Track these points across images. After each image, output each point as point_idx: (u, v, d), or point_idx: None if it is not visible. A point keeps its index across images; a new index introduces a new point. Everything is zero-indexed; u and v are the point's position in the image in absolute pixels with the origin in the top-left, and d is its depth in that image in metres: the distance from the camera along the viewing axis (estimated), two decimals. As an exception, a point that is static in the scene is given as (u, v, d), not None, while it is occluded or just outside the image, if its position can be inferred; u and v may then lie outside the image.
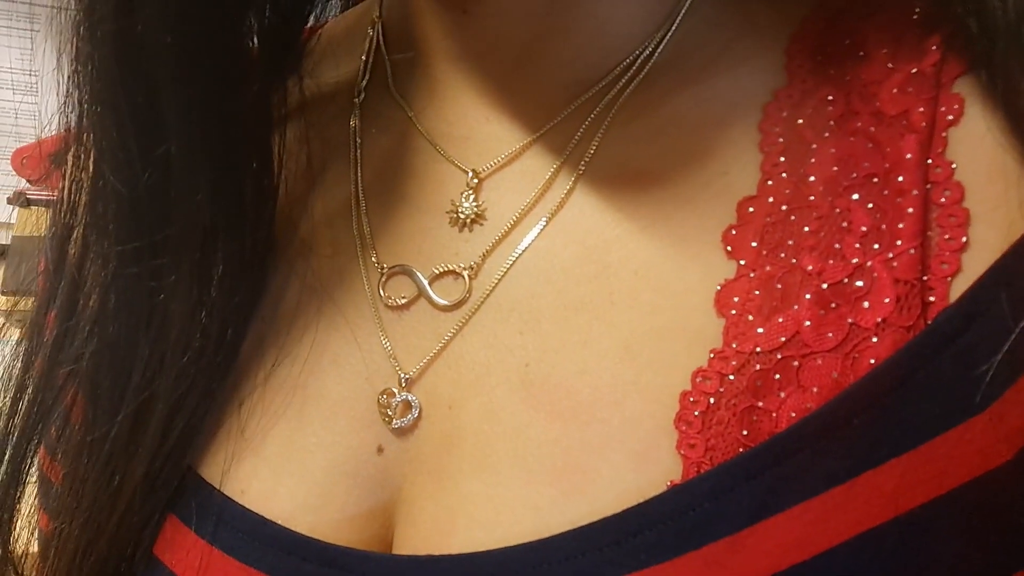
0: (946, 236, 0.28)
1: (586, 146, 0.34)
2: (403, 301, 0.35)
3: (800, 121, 0.32)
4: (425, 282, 0.35)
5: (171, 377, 0.35)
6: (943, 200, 0.29)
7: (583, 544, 0.29)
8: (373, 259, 0.36)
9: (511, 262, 0.34)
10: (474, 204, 0.35)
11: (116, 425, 0.35)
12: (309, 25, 0.43)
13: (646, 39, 0.34)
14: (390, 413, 0.33)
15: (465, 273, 0.34)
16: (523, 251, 0.34)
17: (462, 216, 0.35)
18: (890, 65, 0.31)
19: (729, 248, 0.31)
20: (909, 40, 0.31)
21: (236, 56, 0.36)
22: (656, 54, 0.34)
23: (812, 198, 0.30)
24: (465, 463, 0.32)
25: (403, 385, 0.34)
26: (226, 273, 0.35)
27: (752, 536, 0.27)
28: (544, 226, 0.34)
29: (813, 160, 0.31)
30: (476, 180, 0.35)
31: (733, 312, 0.30)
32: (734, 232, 0.31)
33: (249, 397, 0.36)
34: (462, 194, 0.35)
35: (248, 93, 0.37)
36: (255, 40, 0.37)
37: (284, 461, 0.34)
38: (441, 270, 0.35)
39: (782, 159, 0.31)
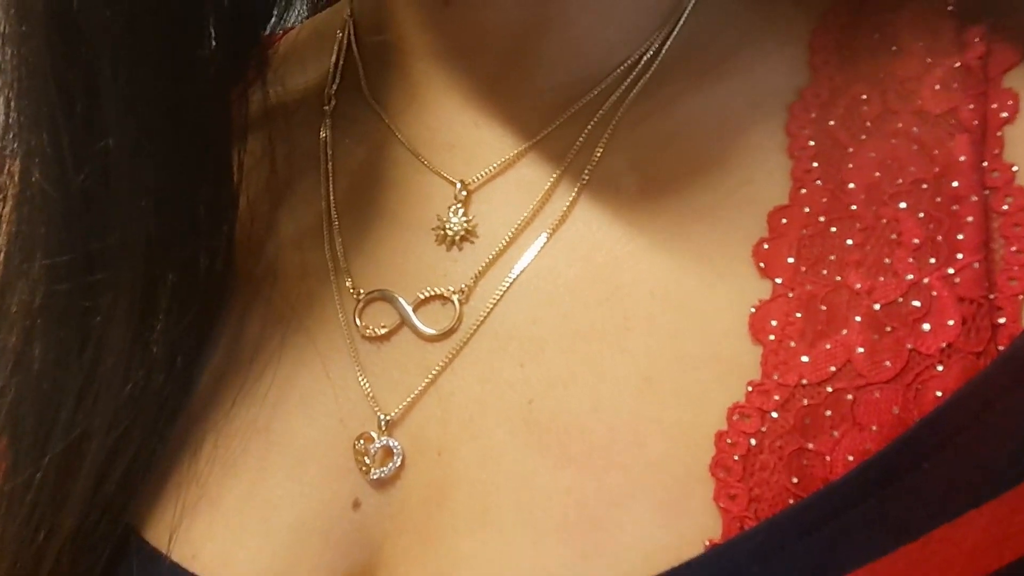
0: (1013, 248, 0.25)
1: (589, 153, 0.31)
2: (383, 331, 0.31)
3: (832, 122, 0.29)
4: (408, 309, 0.30)
5: (108, 414, 0.30)
6: (1005, 207, 0.26)
7: None
8: (348, 283, 0.32)
9: (508, 284, 0.30)
10: (463, 219, 0.31)
11: (41, 470, 0.30)
12: (270, 33, 0.40)
13: (652, 34, 0.31)
14: (368, 461, 0.29)
15: (455, 297, 0.30)
16: (521, 271, 0.30)
17: (450, 233, 0.31)
18: (928, 60, 0.28)
19: (762, 264, 0.27)
20: (946, 33, 0.29)
21: (188, 43, 0.31)
22: (663, 50, 0.31)
23: (853, 207, 0.27)
24: (459, 519, 0.27)
25: (383, 428, 0.29)
26: (176, 293, 0.31)
27: None
28: (545, 243, 0.30)
29: (851, 165, 0.28)
30: (465, 192, 0.31)
31: (771, 338, 0.26)
32: (766, 246, 0.27)
33: (203, 441, 0.31)
34: (449, 208, 0.31)
35: (203, 90, 0.32)
36: (213, 37, 0.33)
37: (244, 518, 0.30)
38: (427, 295, 0.30)
39: (815, 164, 0.28)
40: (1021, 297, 0.24)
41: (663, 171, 0.30)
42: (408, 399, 0.29)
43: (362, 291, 0.32)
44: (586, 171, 0.30)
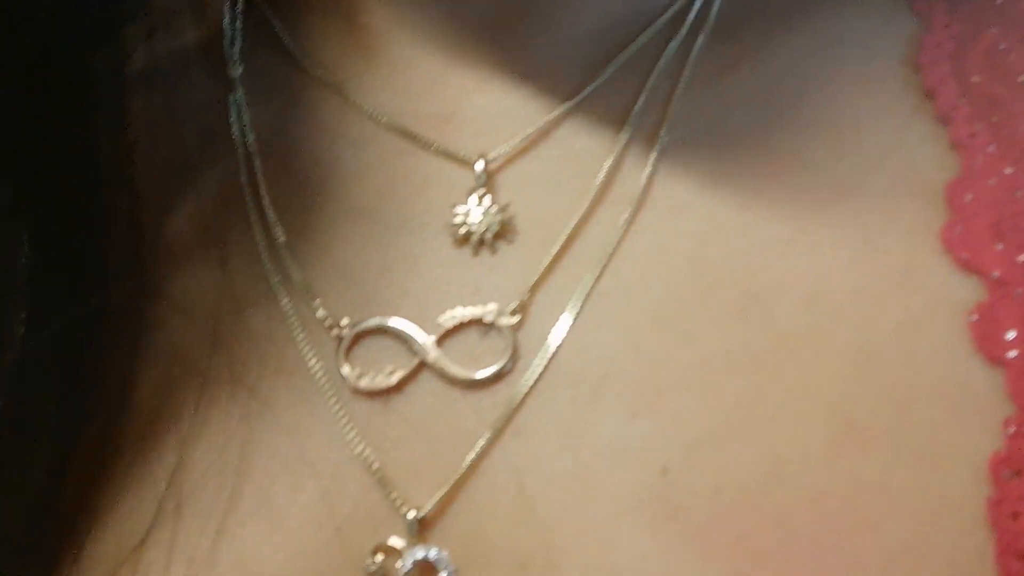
0: None
1: (659, 115, 0.23)
2: (393, 379, 0.20)
3: (975, 78, 0.22)
4: (430, 342, 0.20)
5: None
6: None
7: None
8: (318, 312, 0.21)
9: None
10: (495, 210, 0.21)
11: None
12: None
13: None
14: (391, 588, 0.18)
15: (503, 321, 0.20)
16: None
17: (475, 231, 0.21)
18: None
19: (965, 256, 0.19)
20: None
21: None
22: None
23: None
24: None
25: (413, 533, 0.19)
26: (53, 352, 0.21)
27: None
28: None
29: None
30: (485, 175, 0.22)
31: (1013, 354, 0.18)
32: (959, 230, 0.20)
33: None
34: (469, 195, 0.22)
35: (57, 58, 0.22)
36: None
37: None
38: (455, 322, 0.21)
39: (978, 127, 0.21)
40: None
41: (772, 137, 0.22)
42: (450, 483, 0.19)
43: (345, 322, 0.21)
44: (661, 137, 0.22)
